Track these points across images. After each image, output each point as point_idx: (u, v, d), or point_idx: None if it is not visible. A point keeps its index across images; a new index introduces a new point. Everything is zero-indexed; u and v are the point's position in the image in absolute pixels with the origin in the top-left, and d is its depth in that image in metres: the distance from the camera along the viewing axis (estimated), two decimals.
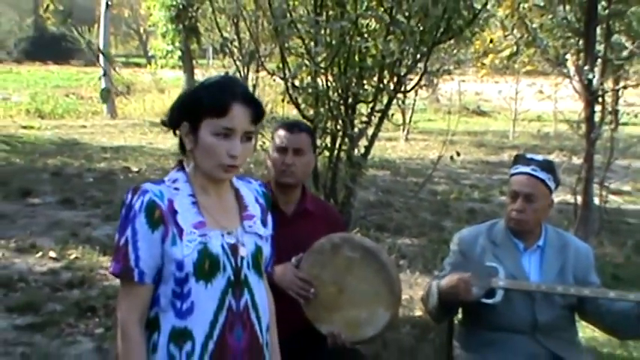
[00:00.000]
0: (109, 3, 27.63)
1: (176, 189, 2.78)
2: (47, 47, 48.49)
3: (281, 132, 4.27)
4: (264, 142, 7.03)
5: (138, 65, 41.20)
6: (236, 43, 12.19)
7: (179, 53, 26.21)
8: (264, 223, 2.96)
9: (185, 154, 2.86)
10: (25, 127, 21.35)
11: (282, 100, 7.54)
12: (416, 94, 17.75)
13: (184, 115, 2.79)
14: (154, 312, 2.76)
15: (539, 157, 4.17)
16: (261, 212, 2.97)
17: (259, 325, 2.85)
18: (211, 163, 2.74)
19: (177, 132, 2.85)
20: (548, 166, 4.11)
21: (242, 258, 2.80)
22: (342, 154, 6.86)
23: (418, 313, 6.71)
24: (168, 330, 2.72)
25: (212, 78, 2.91)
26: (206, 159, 2.74)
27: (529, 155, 4.19)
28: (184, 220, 2.72)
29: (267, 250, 2.94)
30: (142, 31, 47.90)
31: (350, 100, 6.77)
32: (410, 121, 21.83)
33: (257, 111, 2.78)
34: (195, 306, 2.70)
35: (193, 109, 2.76)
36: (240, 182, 2.98)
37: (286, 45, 6.77)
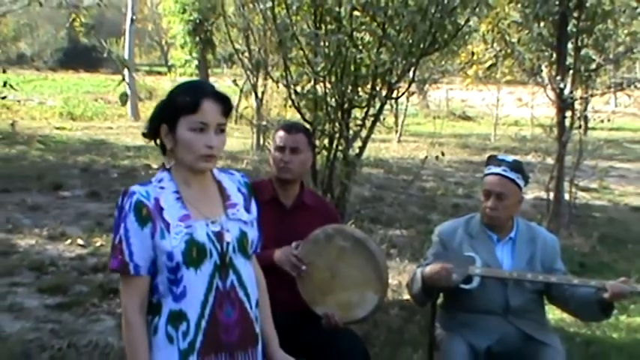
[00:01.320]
0: (134, 18, 27.55)
1: (162, 187, 2.77)
2: (79, 57, 48.48)
3: (280, 133, 4.28)
4: (269, 143, 7.07)
5: (159, 73, 41.18)
6: (246, 54, 12.18)
7: (196, 63, 26.24)
8: (247, 210, 2.94)
9: (165, 154, 2.87)
10: (58, 128, 21.35)
11: (285, 105, 7.53)
12: (407, 101, 17.79)
13: (163, 119, 2.80)
14: (156, 298, 2.76)
15: (509, 158, 4.18)
16: (243, 200, 2.95)
17: (249, 302, 2.84)
18: (192, 156, 2.74)
19: (158, 141, 2.86)
20: (517, 167, 4.12)
21: (227, 243, 2.79)
22: (339, 153, 6.84)
23: (406, 297, 6.69)
24: (166, 313, 2.73)
25: (183, 82, 2.94)
26: (186, 153, 2.75)
27: (500, 156, 4.20)
28: (170, 215, 2.73)
29: (252, 233, 2.92)
30: (163, 42, 47.80)
31: (346, 105, 6.75)
32: (402, 125, 21.83)
33: (226, 105, 2.79)
34: (188, 290, 2.71)
35: (169, 111, 2.78)
36: (222, 175, 2.97)
37: (289, 55, 6.76)
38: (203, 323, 2.72)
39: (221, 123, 2.77)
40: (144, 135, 2.92)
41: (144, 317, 2.74)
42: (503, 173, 4.08)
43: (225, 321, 2.76)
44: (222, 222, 2.82)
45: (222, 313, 2.75)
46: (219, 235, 2.78)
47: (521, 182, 4.11)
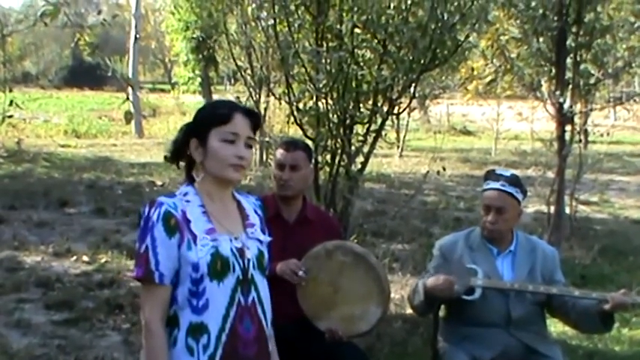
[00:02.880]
0: (138, 36, 27.68)
1: (187, 201, 2.81)
2: (83, 75, 48.72)
3: (280, 150, 4.31)
4: (271, 159, 7.12)
5: (163, 91, 41.33)
6: (249, 71, 12.22)
7: (199, 80, 26.27)
8: (263, 231, 2.98)
9: (189, 174, 2.92)
10: (63, 146, 21.42)
11: (288, 122, 7.54)
12: (409, 116, 17.78)
13: (192, 133, 2.86)
14: (173, 310, 2.77)
15: (507, 173, 4.21)
16: (259, 222, 2.99)
17: (265, 320, 2.88)
18: (222, 165, 2.78)
19: (181, 163, 2.93)
20: (515, 181, 4.15)
21: (248, 260, 2.82)
22: (341, 169, 6.85)
23: (409, 310, 6.70)
24: (186, 325, 2.74)
25: (214, 100, 3.00)
26: (217, 163, 2.79)
27: (498, 171, 4.24)
28: (197, 227, 2.75)
29: (266, 254, 2.95)
30: (166, 60, 48.01)
31: (348, 121, 6.77)
32: (404, 140, 21.86)
33: (255, 120, 2.87)
34: (210, 302, 2.73)
35: (200, 124, 2.84)
36: (240, 196, 3.01)
37: (291, 73, 6.79)
38: (223, 337, 2.73)
39: (250, 137, 2.83)
40: (166, 158, 2.97)
41: (165, 327, 2.76)
42: (502, 188, 4.10)
43: (244, 335, 2.77)
44: (243, 239, 2.86)
45: (241, 327, 2.77)
46: (240, 251, 2.81)
47: (519, 196, 4.14)
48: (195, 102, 30.79)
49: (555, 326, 5.60)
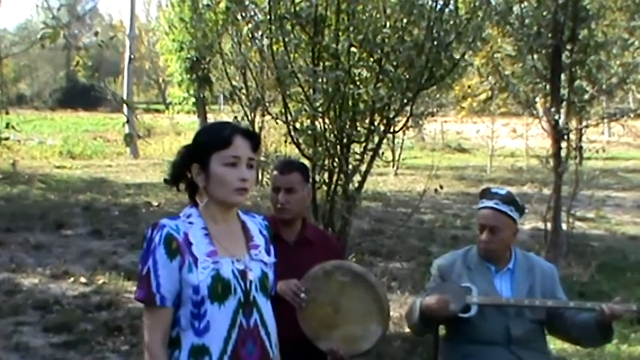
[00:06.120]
0: (132, 57, 27.75)
1: (190, 223, 2.81)
2: (78, 96, 48.72)
3: (275, 173, 4.27)
4: (268, 178, 7.15)
5: (157, 111, 41.34)
6: (244, 91, 12.24)
7: (193, 100, 26.34)
8: (267, 252, 2.98)
9: (194, 198, 2.91)
10: (58, 167, 21.45)
11: (285, 141, 7.56)
12: (404, 134, 17.80)
13: (193, 159, 2.85)
14: (175, 332, 2.77)
15: (502, 191, 4.18)
16: (264, 242, 2.99)
17: (269, 342, 2.86)
18: (226, 190, 2.78)
19: (181, 186, 2.93)
20: (509, 199, 4.11)
21: (250, 282, 2.82)
22: (339, 188, 6.86)
23: (408, 329, 6.71)
24: (188, 347, 2.74)
25: (211, 123, 2.99)
26: (220, 188, 2.79)
27: (493, 190, 4.21)
28: (198, 250, 2.75)
29: (271, 275, 2.96)
30: (160, 80, 48.02)
31: (345, 140, 6.80)
32: (399, 158, 21.90)
33: (255, 141, 2.86)
34: (211, 325, 2.73)
35: (201, 150, 2.83)
36: (245, 216, 3.01)
37: (288, 92, 6.81)
38: (225, 359, 2.73)
39: (251, 158, 2.82)
40: (166, 181, 2.97)
41: (166, 349, 2.76)
42: (496, 207, 4.08)
43: (246, 358, 2.76)
44: (246, 261, 2.85)
45: (244, 350, 2.76)
46: (243, 274, 2.81)
47: (514, 215, 4.11)
48: (189, 122, 30.90)
49: (555, 343, 5.60)
